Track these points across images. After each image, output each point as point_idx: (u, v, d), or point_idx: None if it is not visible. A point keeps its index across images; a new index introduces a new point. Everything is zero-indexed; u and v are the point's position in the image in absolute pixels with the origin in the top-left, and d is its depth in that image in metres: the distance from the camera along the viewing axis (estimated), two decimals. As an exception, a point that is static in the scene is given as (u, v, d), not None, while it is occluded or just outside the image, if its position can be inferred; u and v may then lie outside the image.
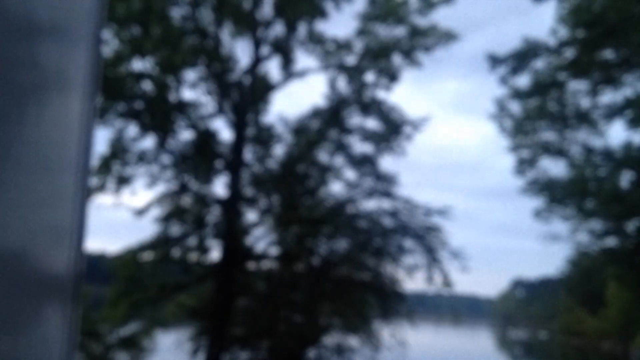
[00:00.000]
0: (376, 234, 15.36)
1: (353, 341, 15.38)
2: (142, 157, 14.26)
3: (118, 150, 13.95)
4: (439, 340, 66.19)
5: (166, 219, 15.03)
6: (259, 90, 15.10)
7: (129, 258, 14.70)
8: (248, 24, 14.74)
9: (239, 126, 14.71)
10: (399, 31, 14.80)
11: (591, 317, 64.39)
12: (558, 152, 16.48)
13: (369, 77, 15.25)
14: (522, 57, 15.29)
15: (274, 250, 15.62)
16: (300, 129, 15.34)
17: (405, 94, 40.99)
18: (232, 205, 14.30)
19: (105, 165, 13.78)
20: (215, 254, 15.21)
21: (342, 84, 15.34)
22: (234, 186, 14.37)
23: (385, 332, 15.29)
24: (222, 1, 14.06)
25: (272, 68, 36.41)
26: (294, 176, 15.06)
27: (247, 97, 14.72)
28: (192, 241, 15.28)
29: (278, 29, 15.14)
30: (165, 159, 14.50)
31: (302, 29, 14.91)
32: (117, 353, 15.45)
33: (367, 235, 15.36)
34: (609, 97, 15.82)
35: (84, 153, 1.39)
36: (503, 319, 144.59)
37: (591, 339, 66.71)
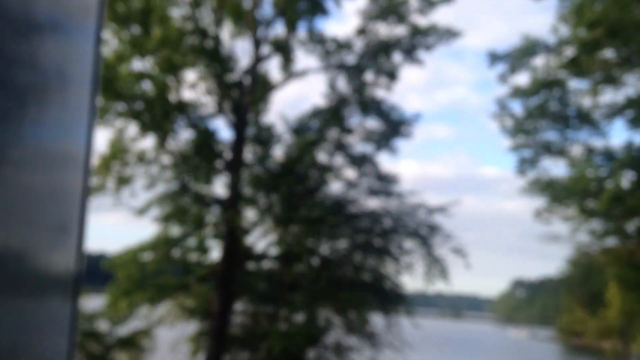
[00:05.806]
0: (376, 234, 15.36)
1: (353, 341, 15.37)
2: (142, 157, 14.26)
3: (118, 150, 13.95)
4: (441, 333, 65.99)
5: (166, 219, 15.03)
6: (259, 90, 15.10)
7: (129, 258, 14.69)
8: (248, 24, 14.74)
9: (239, 126, 14.70)
10: (400, 30, 14.81)
11: (591, 317, 64.40)
12: (559, 152, 16.45)
13: (369, 76, 15.26)
14: (521, 55, 15.28)
15: (274, 250, 15.63)
16: (300, 129, 15.33)
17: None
18: (232, 205, 14.30)
19: (105, 165, 13.77)
20: (215, 254, 15.22)
21: (342, 84, 15.35)
22: (234, 186, 14.37)
23: (385, 331, 15.28)
24: (222, 1, 14.06)
25: (272, 68, 36.45)
26: (294, 176, 15.06)
27: (247, 97, 14.71)
28: (192, 241, 15.29)
29: (278, 29, 15.15)
30: (165, 159, 14.51)
31: (302, 29, 14.93)
32: (117, 353, 15.46)
33: (367, 235, 15.36)
34: (609, 96, 15.81)
35: (84, 153, 1.39)
36: (503, 319, 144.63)
37: (591, 339, 66.74)
